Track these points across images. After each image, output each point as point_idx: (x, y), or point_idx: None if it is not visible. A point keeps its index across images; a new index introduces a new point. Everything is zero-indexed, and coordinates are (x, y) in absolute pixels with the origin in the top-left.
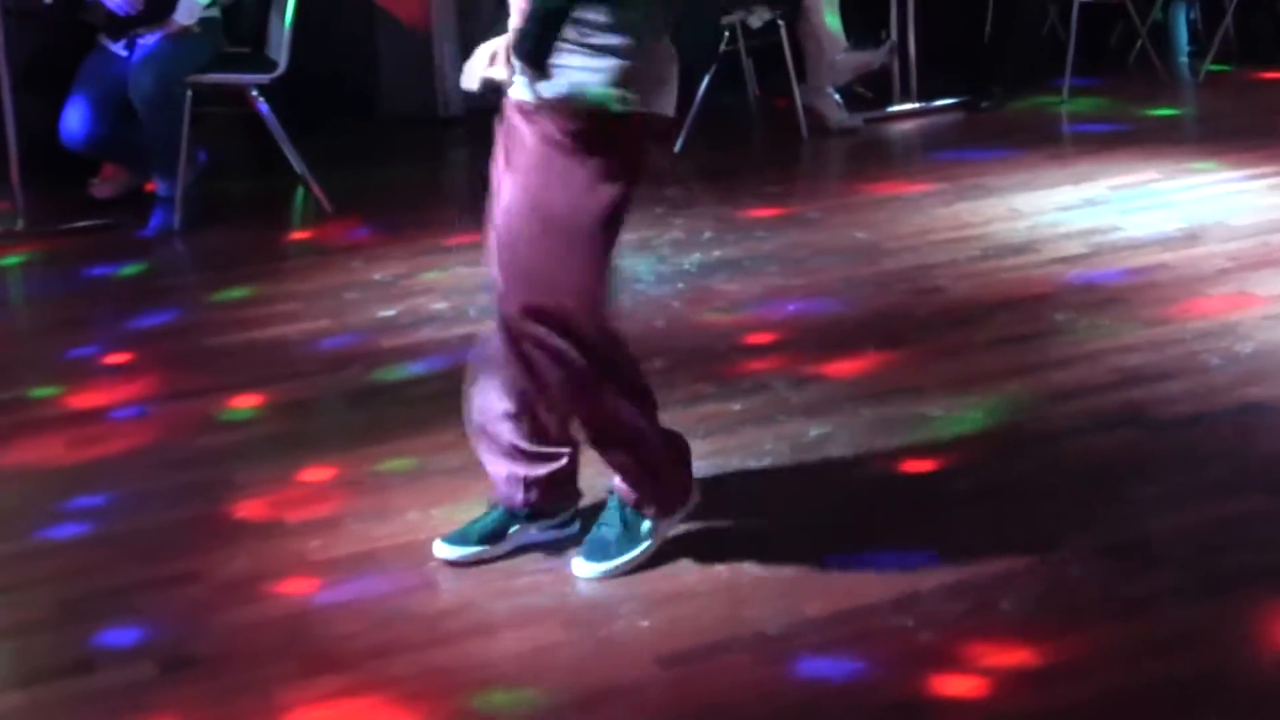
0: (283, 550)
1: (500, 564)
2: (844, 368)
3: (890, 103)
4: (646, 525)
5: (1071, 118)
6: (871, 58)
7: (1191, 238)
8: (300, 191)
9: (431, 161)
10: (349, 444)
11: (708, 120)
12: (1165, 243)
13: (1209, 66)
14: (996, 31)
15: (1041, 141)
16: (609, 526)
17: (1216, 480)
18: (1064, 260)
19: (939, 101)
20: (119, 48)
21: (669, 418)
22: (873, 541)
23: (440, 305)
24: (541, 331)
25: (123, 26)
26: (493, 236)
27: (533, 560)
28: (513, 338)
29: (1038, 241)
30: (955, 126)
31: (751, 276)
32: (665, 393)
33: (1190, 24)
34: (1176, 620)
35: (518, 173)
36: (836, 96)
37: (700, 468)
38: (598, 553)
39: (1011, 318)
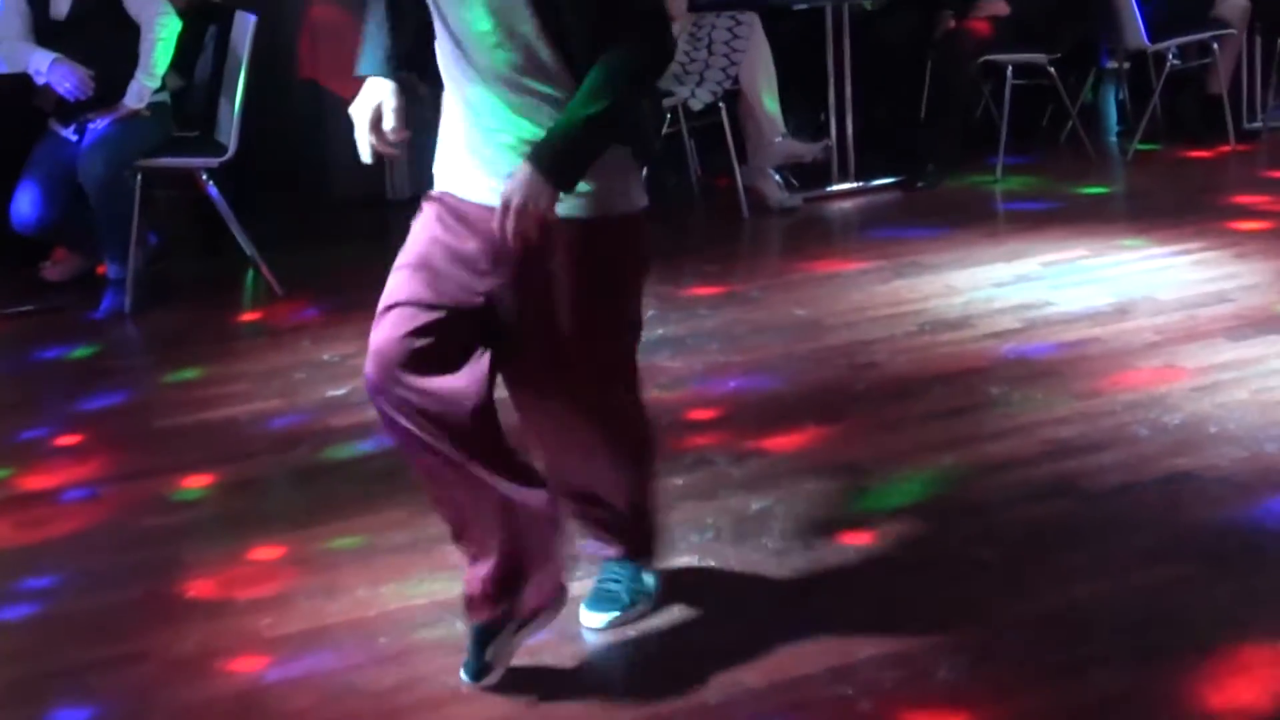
0: (233, 628)
1: (450, 640)
2: (784, 442)
3: (829, 182)
4: (651, 579)
5: (1005, 196)
6: (805, 151)
7: (1121, 312)
8: (250, 273)
9: (379, 243)
10: (298, 522)
11: (651, 200)
12: (1095, 317)
13: (1137, 145)
14: (931, 112)
15: (976, 219)
16: (615, 580)
17: (1145, 548)
18: (998, 335)
19: (876, 181)
20: (69, 132)
21: None
22: (811, 611)
23: None
24: (628, 403)
25: (73, 111)
26: (542, 350)
27: None
28: (602, 420)
29: (972, 317)
30: (892, 205)
31: (694, 354)
32: None
33: (1119, 104)
34: (1107, 687)
35: (560, 287)
36: (776, 177)
37: None
38: (606, 602)
39: (947, 392)
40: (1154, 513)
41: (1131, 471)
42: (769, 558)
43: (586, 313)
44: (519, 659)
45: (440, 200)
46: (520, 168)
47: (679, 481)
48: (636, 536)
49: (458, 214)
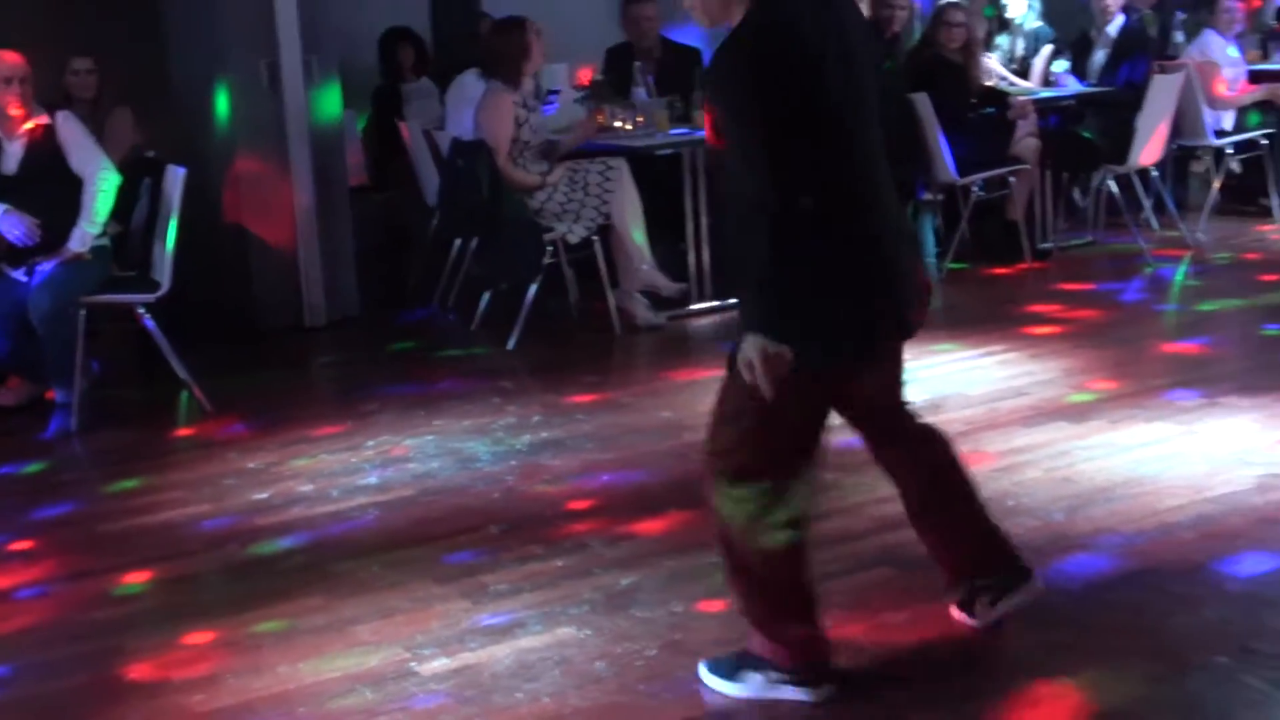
0: (170, 705)
1: (360, 707)
2: (650, 526)
3: (690, 303)
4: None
5: None
6: (664, 286)
7: (935, 406)
8: (184, 395)
9: (298, 365)
10: (228, 610)
11: (536, 322)
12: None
13: (949, 265)
14: None
15: None
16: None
17: (939, 594)
18: (831, 428)
19: (732, 300)
20: (19, 274)
21: (503, 576)
22: (672, 672)
23: (306, 488)
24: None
25: (22, 255)
26: None
27: (399, 701)
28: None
29: None
30: None
31: (573, 453)
32: (500, 554)
33: (935, 230)
34: None
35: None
36: (644, 300)
37: (525, 616)
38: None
39: None
40: None
41: None
42: (637, 625)
43: None
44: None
45: None
46: None
47: (559, 563)
48: None
49: None
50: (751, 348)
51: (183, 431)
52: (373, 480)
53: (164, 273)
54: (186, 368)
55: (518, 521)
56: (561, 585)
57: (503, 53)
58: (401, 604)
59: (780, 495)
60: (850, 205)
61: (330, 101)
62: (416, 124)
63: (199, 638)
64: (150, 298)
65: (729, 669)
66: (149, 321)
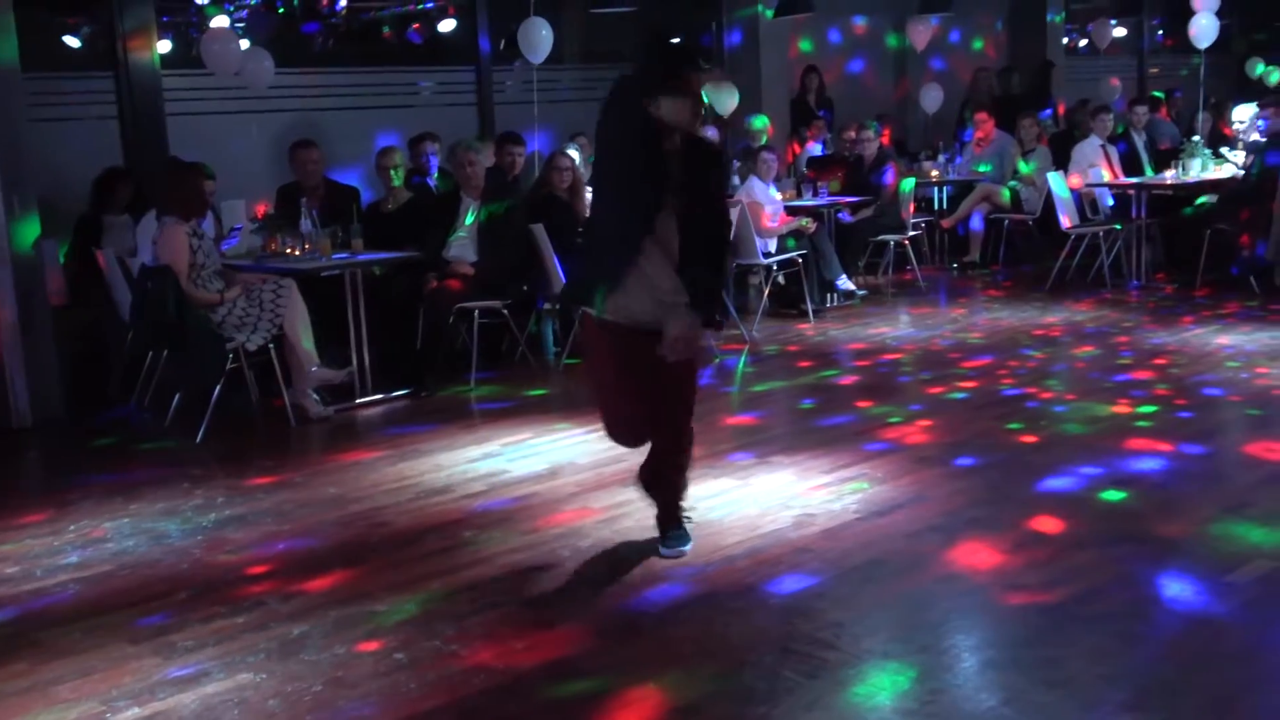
0: None
1: None
2: (318, 584)
3: (355, 397)
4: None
5: (478, 399)
6: (334, 376)
7: (553, 474)
8: None
9: (5, 463)
10: None
11: (222, 418)
12: (537, 478)
13: (566, 360)
14: (425, 344)
15: (458, 417)
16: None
17: (574, 630)
18: (471, 495)
19: (391, 394)
20: None
21: (190, 634)
22: (335, 703)
23: (12, 570)
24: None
25: None
26: (657, 407)
27: None
28: (674, 447)
29: (453, 484)
30: (401, 410)
31: (253, 526)
32: (187, 615)
33: (554, 333)
34: None
35: (667, 365)
36: (314, 395)
37: (210, 667)
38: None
39: (435, 538)
40: (577, 604)
41: (558, 580)
42: (306, 667)
43: None
44: None
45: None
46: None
47: (240, 619)
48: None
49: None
50: (696, 333)
51: None
52: (73, 559)
53: None
54: None
55: (204, 587)
56: (241, 638)
57: (175, 192)
58: (99, 664)
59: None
60: None
61: (30, 231)
62: (111, 251)
63: None
64: None
65: (676, 539)
66: None
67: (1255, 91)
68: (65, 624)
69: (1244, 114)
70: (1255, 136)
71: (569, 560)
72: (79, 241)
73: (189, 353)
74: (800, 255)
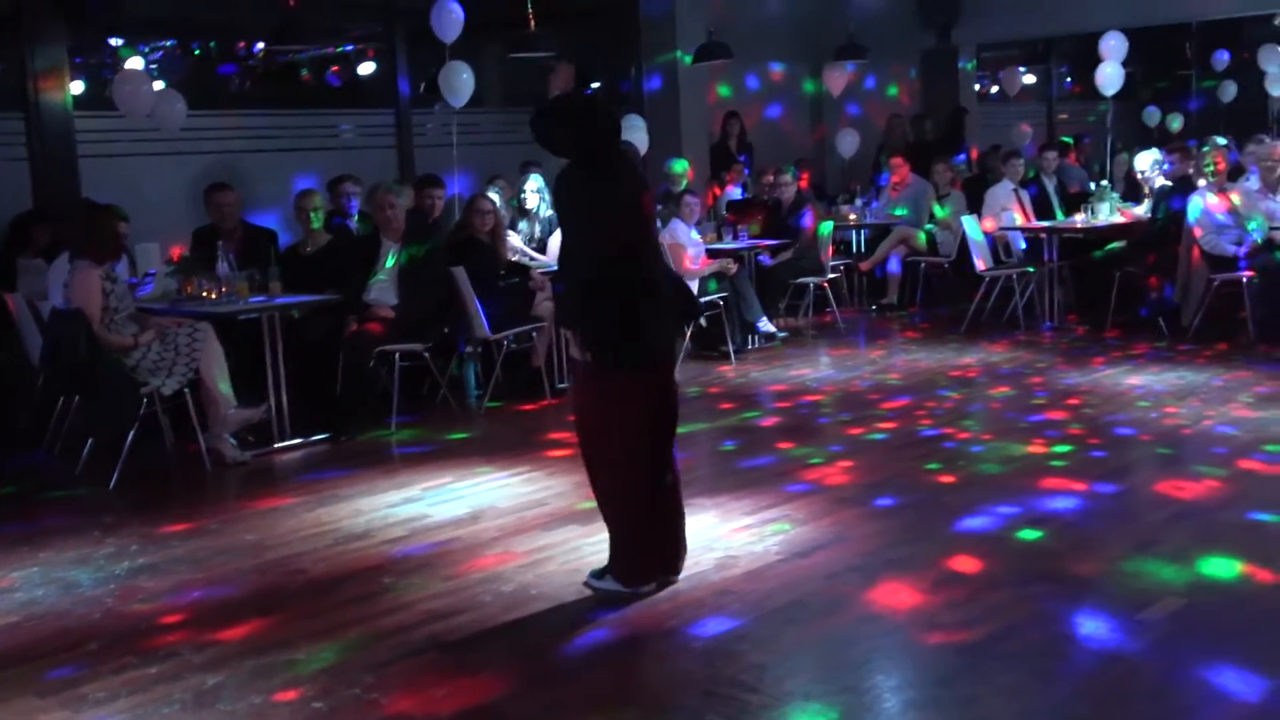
0: None
1: None
2: (234, 633)
3: (272, 442)
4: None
5: (398, 443)
6: (252, 414)
7: (475, 518)
8: None
9: None
10: None
11: (135, 464)
12: (458, 523)
13: (488, 404)
14: (345, 387)
15: (378, 461)
16: None
17: (496, 671)
18: (391, 541)
19: (310, 438)
20: None
21: (101, 685)
22: None
23: None
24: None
25: None
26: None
27: None
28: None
29: (373, 530)
30: (320, 455)
31: (167, 574)
32: (98, 667)
33: (476, 375)
34: None
35: None
36: (231, 440)
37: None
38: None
39: (354, 585)
40: (499, 649)
41: (480, 625)
42: (223, 718)
43: None
44: None
45: None
46: None
47: (153, 670)
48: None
49: None
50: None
51: None
52: None
53: None
54: None
55: (116, 637)
56: (155, 689)
57: (89, 235)
58: (5, 718)
59: None
60: None
61: None
62: (21, 295)
63: None
64: None
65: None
66: None
67: (1157, 139)
68: None
69: (1145, 161)
70: (1161, 181)
71: (490, 605)
72: None
73: (101, 398)
74: (721, 297)
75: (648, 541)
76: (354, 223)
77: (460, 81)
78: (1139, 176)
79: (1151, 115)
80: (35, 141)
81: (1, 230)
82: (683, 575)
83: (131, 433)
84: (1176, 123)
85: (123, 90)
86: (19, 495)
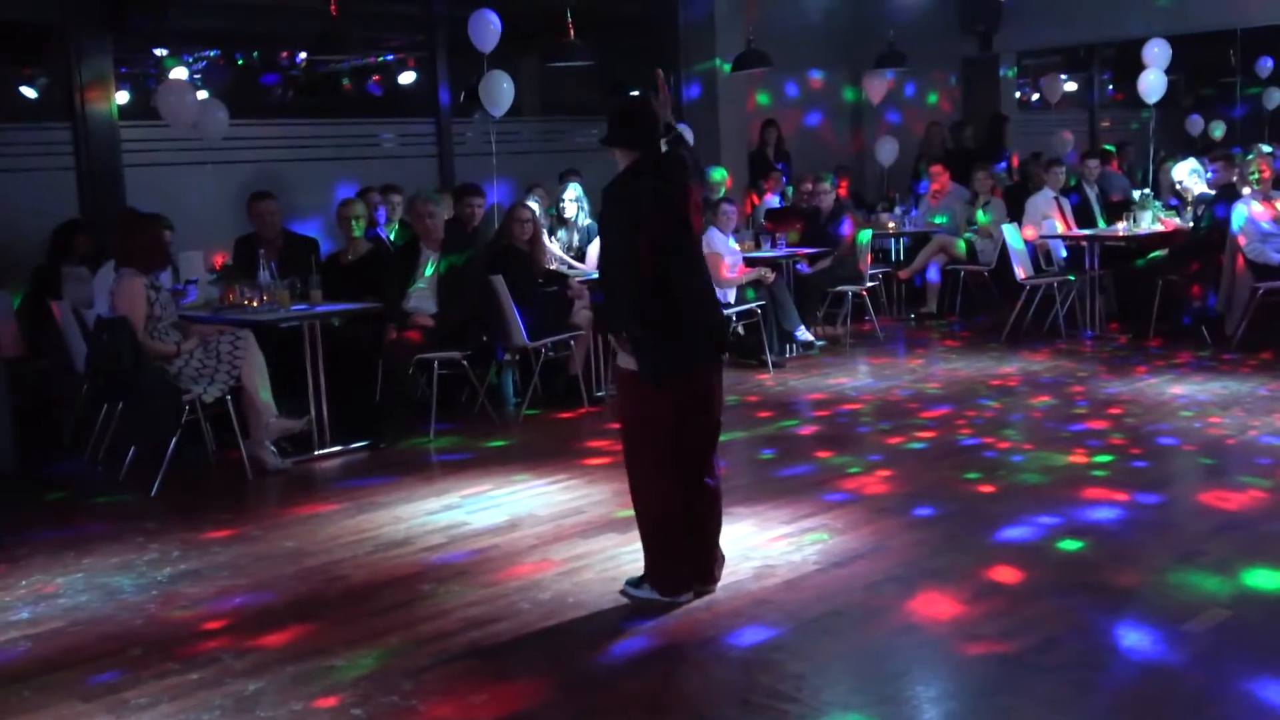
0: None
1: None
2: (274, 640)
3: (312, 449)
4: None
5: (437, 451)
6: (293, 425)
7: (513, 526)
8: None
9: None
10: None
11: (178, 471)
12: (496, 531)
13: (526, 411)
14: (384, 395)
15: (417, 469)
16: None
17: (529, 676)
18: (430, 548)
19: (350, 445)
20: None
21: (143, 691)
22: None
23: None
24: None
25: None
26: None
27: None
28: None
29: (413, 537)
30: (360, 462)
31: (209, 581)
32: (140, 672)
33: (513, 383)
34: None
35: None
36: (271, 447)
37: None
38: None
39: (393, 592)
40: (537, 657)
41: (518, 632)
42: None
43: None
44: None
45: None
46: None
47: (195, 676)
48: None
49: None
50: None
51: None
52: (24, 615)
53: None
54: None
55: (157, 643)
56: (196, 695)
57: (134, 244)
58: None
59: None
60: None
61: None
62: (67, 302)
63: None
64: None
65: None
66: None
67: (1200, 147)
68: (15, 682)
69: (1182, 171)
70: (1200, 189)
71: (528, 613)
72: (35, 292)
73: (144, 405)
74: (759, 306)
75: (679, 551)
76: (384, 230)
77: (501, 91)
78: (1177, 186)
79: (1195, 123)
80: (81, 151)
81: (46, 239)
82: (720, 584)
83: (174, 440)
84: (1219, 130)
85: (167, 100)
86: (63, 501)
